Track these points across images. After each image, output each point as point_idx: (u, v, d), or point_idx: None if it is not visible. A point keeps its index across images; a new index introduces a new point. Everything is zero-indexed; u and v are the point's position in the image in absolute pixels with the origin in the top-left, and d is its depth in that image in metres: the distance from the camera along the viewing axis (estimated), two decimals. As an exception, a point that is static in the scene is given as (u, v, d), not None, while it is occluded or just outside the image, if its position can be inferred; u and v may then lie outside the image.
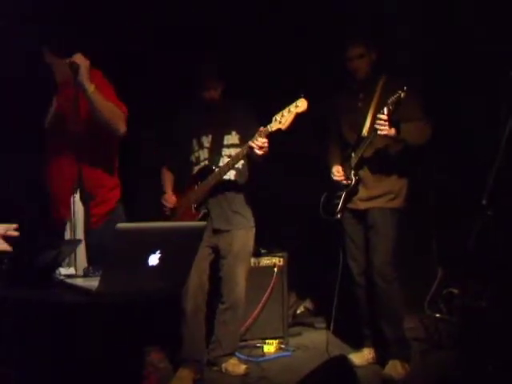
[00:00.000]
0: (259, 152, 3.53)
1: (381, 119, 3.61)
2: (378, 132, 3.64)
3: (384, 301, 3.83)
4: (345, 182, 3.90)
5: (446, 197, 4.78)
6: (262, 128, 3.53)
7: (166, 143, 4.02)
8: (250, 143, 3.54)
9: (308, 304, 5.00)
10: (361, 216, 3.92)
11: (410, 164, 3.96)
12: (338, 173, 3.93)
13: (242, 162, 3.82)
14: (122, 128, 3.19)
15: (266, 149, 3.54)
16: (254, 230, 3.94)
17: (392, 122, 3.63)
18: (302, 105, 3.41)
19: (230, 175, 3.82)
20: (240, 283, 3.87)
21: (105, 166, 3.26)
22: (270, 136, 3.53)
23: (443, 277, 4.73)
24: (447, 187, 4.76)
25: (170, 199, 3.92)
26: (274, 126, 3.47)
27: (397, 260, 3.87)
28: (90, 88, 3.03)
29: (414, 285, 4.54)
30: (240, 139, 3.85)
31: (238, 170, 3.85)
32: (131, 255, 2.31)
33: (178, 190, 3.97)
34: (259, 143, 3.50)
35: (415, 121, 3.73)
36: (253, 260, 4.28)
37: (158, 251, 2.36)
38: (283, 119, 3.43)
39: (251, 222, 3.93)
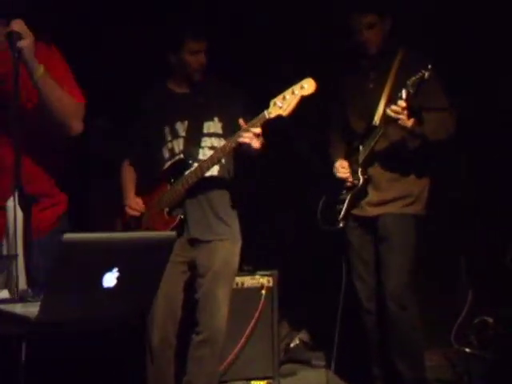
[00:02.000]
0: (255, 145, 3.55)
1: (397, 105, 3.65)
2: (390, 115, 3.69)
3: (399, 332, 3.89)
4: (350, 180, 3.97)
5: (477, 201, 4.81)
6: (245, 122, 3.56)
7: (128, 132, 4.05)
8: (239, 134, 3.55)
9: (304, 336, 5.03)
10: (370, 225, 3.98)
11: (433, 160, 4.03)
12: (342, 168, 3.99)
13: None
14: (75, 125, 3.10)
15: (259, 142, 3.55)
16: (240, 242, 3.97)
17: (411, 111, 3.68)
18: (308, 86, 3.42)
19: (213, 171, 3.85)
20: (221, 309, 3.88)
21: (52, 158, 3.19)
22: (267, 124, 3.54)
23: (474, 301, 4.77)
24: (479, 189, 4.79)
25: (135, 205, 3.91)
26: (272, 112, 3.48)
27: (415, 280, 3.93)
28: (38, 70, 2.92)
29: (438, 311, 4.60)
30: (223, 127, 3.89)
31: (221, 164, 3.88)
32: (81, 274, 2.32)
33: (143, 191, 3.99)
34: (251, 134, 3.52)
35: (437, 110, 3.80)
36: (235, 280, 4.32)
37: (116, 269, 2.38)
38: (285, 103, 3.45)
39: (237, 232, 3.96)
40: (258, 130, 3.52)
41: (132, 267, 2.42)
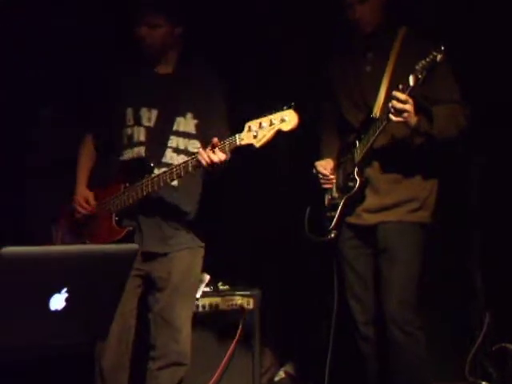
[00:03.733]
0: (208, 168, 3.60)
1: (398, 99, 3.67)
2: (393, 118, 3.73)
3: (402, 362, 3.95)
4: (328, 184, 4.07)
5: (496, 206, 4.83)
6: (219, 141, 3.57)
7: (93, 106, 4.14)
8: (199, 154, 3.58)
9: (290, 368, 5.09)
10: (368, 235, 4.05)
11: (443, 158, 4.10)
12: (322, 168, 4.09)
13: None
14: None
15: (221, 167, 3.59)
16: (202, 251, 4.05)
17: (418, 105, 3.75)
18: (290, 119, 3.40)
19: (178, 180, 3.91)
20: (183, 329, 3.95)
21: None
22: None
23: (492, 325, 4.79)
24: (497, 192, 4.82)
25: (83, 201, 3.97)
26: (244, 139, 3.50)
27: (422, 301, 4.00)
28: None
29: (449, 338, 4.69)
30: (197, 127, 3.95)
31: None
32: (23, 295, 2.39)
33: (98, 181, 4.05)
34: (215, 158, 3.55)
35: (447, 102, 3.87)
36: (208, 301, 4.43)
37: (65, 289, 2.45)
38: (260, 133, 3.45)
39: (198, 240, 4.03)
40: (222, 157, 3.56)
41: (84, 287, 2.49)
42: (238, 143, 3.51)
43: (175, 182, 3.88)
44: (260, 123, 3.44)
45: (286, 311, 4.94)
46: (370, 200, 4.02)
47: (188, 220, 3.99)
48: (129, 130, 3.97)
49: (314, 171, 4.15)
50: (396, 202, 4.00)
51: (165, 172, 3.76)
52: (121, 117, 3.98)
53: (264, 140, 3.43)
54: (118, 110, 4.00)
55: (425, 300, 4.03)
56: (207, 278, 4.59)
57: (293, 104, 3.40)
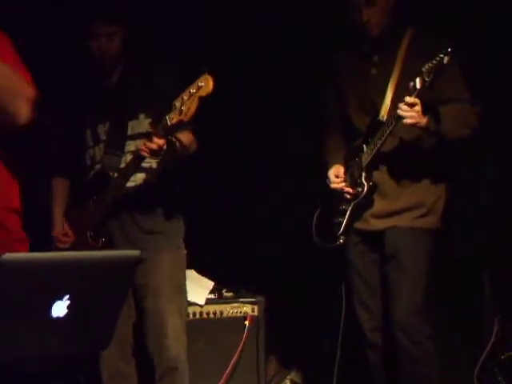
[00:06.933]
0: (152, 158, 3.69)
1: (406, 102, 3.67)
2: (404, 120, 3.73)
3: (411, 370, 3.93)
4: (349, 191, 4.01)
5: (505, 210, 4.83)
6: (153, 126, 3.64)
7: (59, 138, 4.19)
8: (141, 147, 3.65)
9: (296, 376, 5.06)
10: (375, 241, 4.03)
11: (452, 162, 4.09)
12: (337, 178, 4.05)
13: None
14: (22, 112, 2.99)
15: (162, 153, 3.64)
16: (182, 252, 4.08)
17: (426, 105, 3.71)
18: (205, 84, 3.43)
19: (136, 180, 3.94)
20: (171, 334, 3.96)
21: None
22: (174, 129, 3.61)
23: (501, 333, 4.78)
24: (506, 195, 4.82)
25: (62, 237, 4.04)
26: (174, 117, 3.54)
27: (430, 308, 3.97)
28: None
29: (457, 345, 4.65)
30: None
31: (147, 169, 3.95)
32: (24, 303, 2.36)
33: (72, 209, 4.14)
34: (153, 146, 3.59)
35: (456, 102, 3.85)
36: (212, 308, 4.41)
37: (67, 296, 2.41)
38: (185, 107, 3.50)
39: (175, 241, 4.06)
40: (160, 142, 3.60)
41: (86, 293, 2.46)
42: (169, 123, 3.55)
43: (135, 183, 3.93)
44: (182, 98, 3.48)
45: (292, 318, 4.91)
46: (378, 205, 4.00)
47: (160, 221, 4.01)
48: (91, 151, 4.03)
49: (328, 182, 4.10)
50: (404, 208, 3.98)
51: (118, 175, 3.84)
52: (82, 141, 4.04)
53: (190, 112, 3.48)
54: (78, 133, 4.05)
55: (433, 307, 4.01)
56: (211, 284, 4.59)
57: (205, 68, 3.43)
